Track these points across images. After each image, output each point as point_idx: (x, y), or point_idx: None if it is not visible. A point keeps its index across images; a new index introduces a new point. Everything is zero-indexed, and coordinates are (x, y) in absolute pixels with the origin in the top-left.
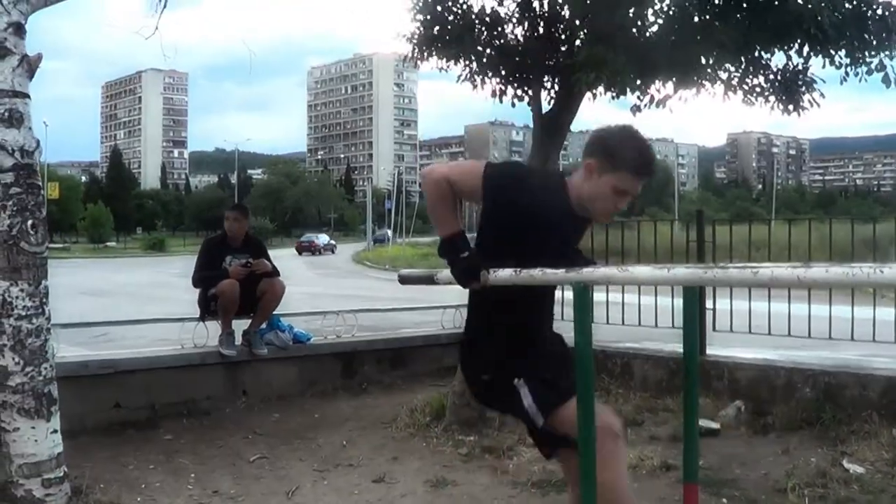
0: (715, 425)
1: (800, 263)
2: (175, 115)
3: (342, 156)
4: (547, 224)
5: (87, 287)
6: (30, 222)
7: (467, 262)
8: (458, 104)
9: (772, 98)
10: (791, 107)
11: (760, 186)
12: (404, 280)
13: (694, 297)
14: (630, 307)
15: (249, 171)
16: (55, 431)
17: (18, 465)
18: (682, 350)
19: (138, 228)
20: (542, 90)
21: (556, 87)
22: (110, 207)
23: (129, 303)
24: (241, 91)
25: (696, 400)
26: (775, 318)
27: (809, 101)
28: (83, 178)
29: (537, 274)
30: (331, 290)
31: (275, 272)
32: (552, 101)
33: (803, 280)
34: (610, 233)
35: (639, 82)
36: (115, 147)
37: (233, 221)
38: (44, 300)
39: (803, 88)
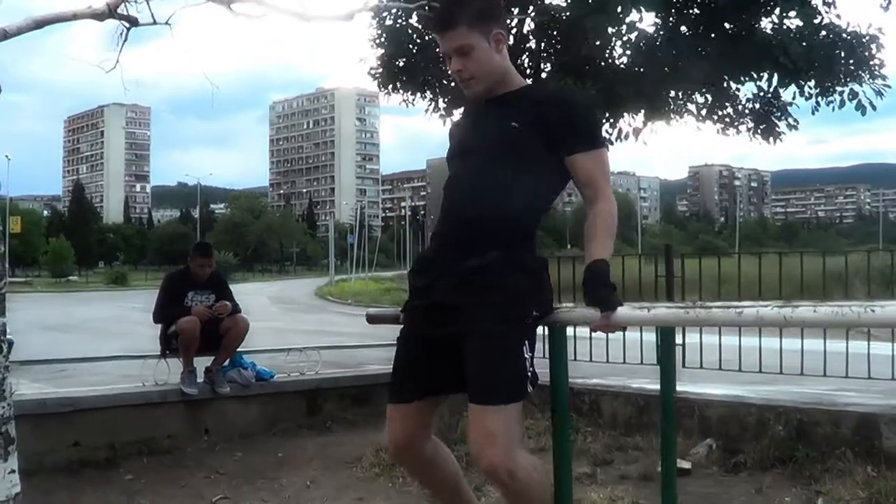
0: (686, 464)
1: (784, 302)
2: (137, 149)
3: (304, 190)
4: None
5: (49, 322)
6: None
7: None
8: (420, 138)
9: (743, 128)
10: (766, 134)
11: (723, 219)
12: (372, 320)
13: (671, 336)
14: (597, 342)
15: (212, 206)
16: (13, 471)
17: None
18: (649, 387)
19: (100, 262)
20: None
21: None
22: (72, 241)
23: (92, 338)
24: (204, 126)
25: (674, 442)
26: (746, 353)
27: (787, 126)
28: (45, 212)
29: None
30: (294, 325)
31: (237, 309)
32: None
33: (790, 320)
34: (576, 266)
35: (608, 115)
36: (78, 181)
37: (198, 267)
38: (1, 337)
39: (778, 114)
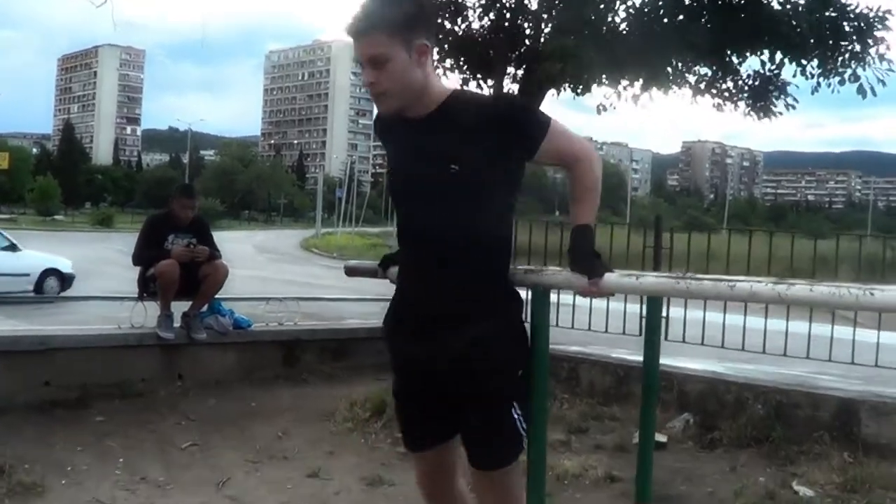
0: (662, 438)
1: (779, 279)
2: (130, 91)
3: (295, 142)
4: None
5: None
6: None
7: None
8: None
9: (741, 103)
10: (762, 112)
11: (712, 196)
12: (351, 272)
13: (658, 308)
14: (580, 309)
15: (202, 152)
16: None
17: None
18: (630, 357)
19: (87, 203)
20: (506, 82)
21: (520, 81)
22: (60, 181)
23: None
24: (199, 71)
25: (653, 415)
26: (729, 331)
27: (785, 105)
28: (34, 150)
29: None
30: (277, 275)
31: (216, 256)
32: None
33: (784, 297)
34: (564, 235)
35: (605, 78)
36: (68, 121)
37: (181, 209)
38: None
39: (776, 93)
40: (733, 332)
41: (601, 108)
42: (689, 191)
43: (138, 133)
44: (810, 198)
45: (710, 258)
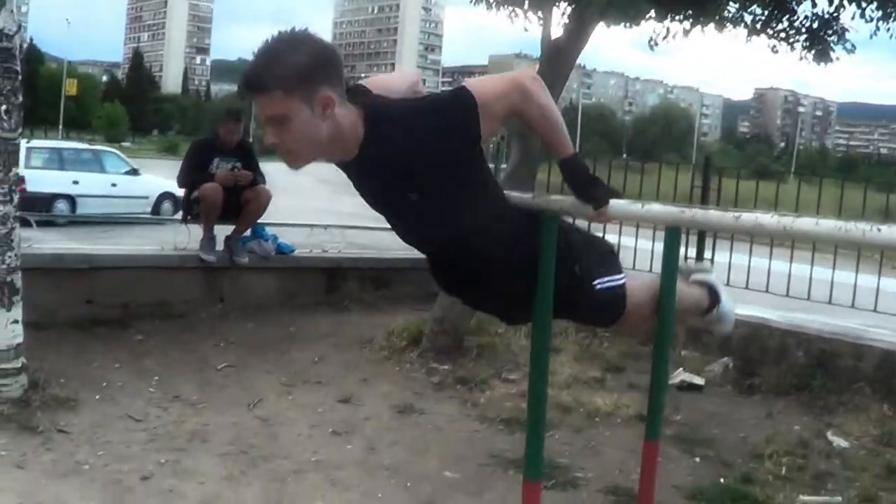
0: (699, 381)
1: (785, 213)
2: (200, 21)
3: (363, 75)
4: None
5: None
6: (3, 107)
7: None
8: (485, 33)
9: (797, 45)
10: (819, 56)
11: (783, 144)
12: None
13: (674, 240)
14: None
15: None
16: (16, 322)
17: None
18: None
19: (155, 131)
20: (554, 15)
21: (568, 13)
22: (128, 108)
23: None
24: (268, 3)
25: (667, 352)
26: (775, 277)
27: (844, 49)
28: (104, 78)
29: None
30: (333, 207)
31: (260, 180)
32: (564, 28)
33: (789, 231)
34: (628, 176)
35: (654, 12)
36: (138, 49)
37: (227, 133)
38: (13, 188)
39: (833, 37)
40: (778, 278)
41: (652, 43)
42: (760, 138)
43: (207, 63)
44: (883, 151)
45: (765, 203)
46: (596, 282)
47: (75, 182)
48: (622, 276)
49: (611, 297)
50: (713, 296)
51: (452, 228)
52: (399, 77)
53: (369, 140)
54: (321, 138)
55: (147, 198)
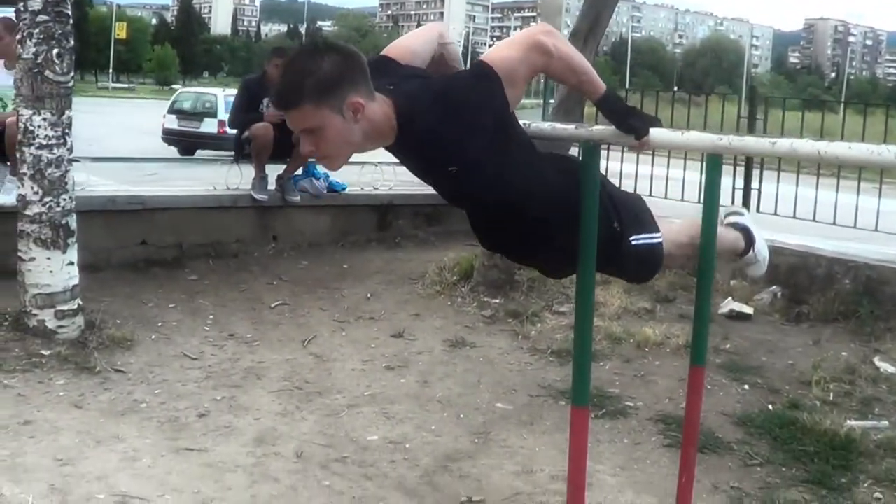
0: (748, 310)
1: (819, 137)
2: None
3: (413, 13)
4: None
5: (147, 127)
6: (55, 51)
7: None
8: None
9: None
10: None
11: (834, 75)
12: None
13: (716, 169)
14: (667, 181)
15: (319, 23)
16: (71, 263)
17: (32, 296)
18: (721, 228)
19: (205, 73)
20: None
21: None
22: (178, 51)
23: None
24: None
25: (710, 279)
26: (821, 206)
27: None
28: (153, 21)
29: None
30: None
31: None
32: None
33: (824, 156)
34: (673, 108)
35: None
36: None
37: (274, 69)
38: (66, 131)
39: None
40: (825, 208)
41: None
42: (811, 69)
43: (256, 3)
44: None
45: (825, 136)
46: (632, 238)
47: None
48: (659, 234)
49: (647, 254)
50: (748, 238)
51: (493, 192)
52: (422, 36)
53: (403, 126)
54: (355, 139)
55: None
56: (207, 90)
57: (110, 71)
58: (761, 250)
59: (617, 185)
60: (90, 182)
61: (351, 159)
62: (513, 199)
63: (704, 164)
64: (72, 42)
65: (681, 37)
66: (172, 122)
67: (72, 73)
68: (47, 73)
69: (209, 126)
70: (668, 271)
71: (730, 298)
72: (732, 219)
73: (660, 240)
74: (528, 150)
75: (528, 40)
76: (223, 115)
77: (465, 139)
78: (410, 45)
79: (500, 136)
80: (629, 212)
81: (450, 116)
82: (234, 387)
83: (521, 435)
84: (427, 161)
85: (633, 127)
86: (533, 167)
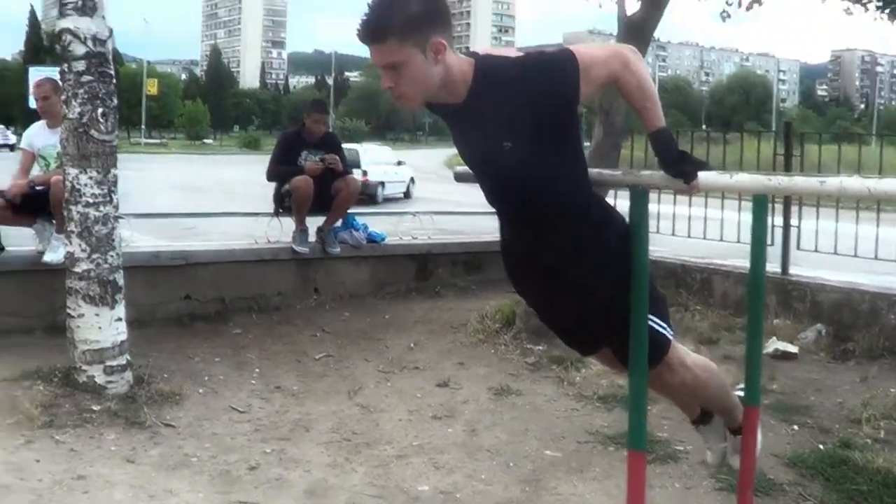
0: (793, 349)
1: (868, 176)
2: (275, 15)
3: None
4: None
5: (181, 182)
6: (100, 111)
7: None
8: (557, 12)
9: (870, 6)
10: (893, 14)
11: (863, 106)
12: (460, 178)
13: (762, 209)
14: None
15: (347, 74)
16: (119, 319)
17: (82, 351)
18: (769, 269)
19: (235, 126)
20: None
21: None
22: (208, 105)
23: (219, 198)
24: None
25: (761, 320)
26: (862, 241)
27: None
28: (182, 76)
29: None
30: (419, 194)
31: (348, 171)
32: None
33: (874, 192)
34: (709, 146)
35: None
36: (215, 46)
37: (313, 123)
38: (112, 188)
39: None
40: (866, 242)
41: (724, 15)
42: (839, 101)
43: (284, 56)
44: None
45: (848, 167)
46: (648, 315)
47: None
48: (671, 334)
49: (655, 340)
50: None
51: (538, 185)
52: (502, 49)
53: (476, 85)
54: (433, 82)
55: (404, 181)
56: (349, 146)
57: (142, 127)
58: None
59: (655, 227)
60: (133, 238)
61: (389, 209)
62: (557, 196)
63: (751, 204)
64: (115, 101)
65: (707, 74)
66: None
67: (116, 132)
68: (92, 132)
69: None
70: (711, 312)
71: (774, 338)
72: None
73: (670, 337)
74: (581, 160)
75: (614, 49)
76: (369, 165)
77: (530, 109)
78: (492, 51)
79: (561, 124)
80: (654, 291)
81: (524, 79)
82: (283, 439)
83: (571, 482)
84: (486, 128)
85: (682, 171)
86: (582, 176)
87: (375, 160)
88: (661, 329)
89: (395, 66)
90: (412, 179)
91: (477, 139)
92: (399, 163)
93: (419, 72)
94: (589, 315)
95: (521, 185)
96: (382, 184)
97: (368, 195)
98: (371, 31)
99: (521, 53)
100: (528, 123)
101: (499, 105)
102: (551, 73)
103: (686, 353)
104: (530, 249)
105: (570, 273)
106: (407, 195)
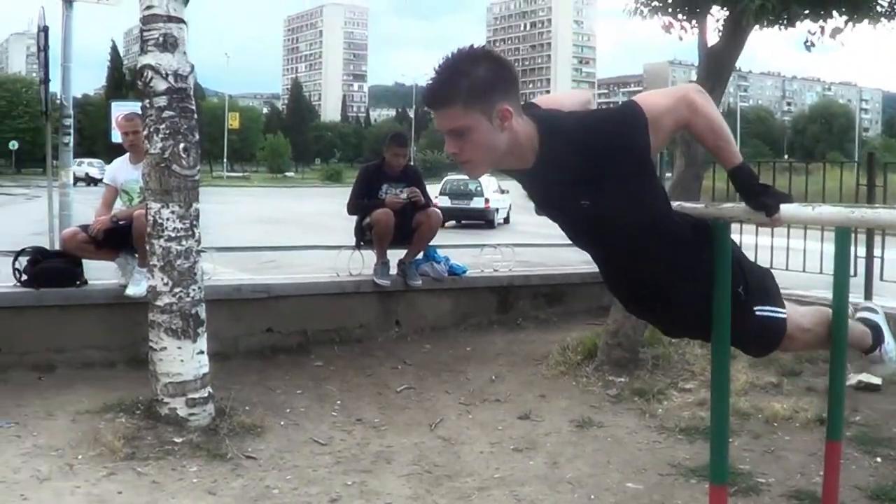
0: (876, 380)
1: None
2: (355, 49)
3: (520, 92)
4: None
5: (262, 215)
6: (182, 146)
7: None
8: (637, 42)
9: None
10: None
11: None
12: (540, 213)
13: (845, 241)
14: (788, 252)
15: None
16: (201, 352)
17: (164, 384)
18: (852, 300)
19: (317, 159)
20: (709, 22)
21: (723, 20)
22: (289, 138)
23: (301, 231)
24: (421, 26)
25: (844, 352)
26: None
27: None
28: (264, 110)
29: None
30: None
31: (430, 203)
32: (719, 35)
33: None
34: (791, 176)
35: (808, 12)
36: (296, 79)
37: (393, 157)
38: (194, 222)
39: None
40: None
41: (808, 44)
42: None
43: (365, 89)
44: None
45: None
46: (757, 307)
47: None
48: (785, 311)
49: (770, 326)
50: (877, 336)
51: (622, 236)
52: (571, 96)
53: (544, 150)
54: (499, 149)
55: (506, 207)
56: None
57: (224, 160)
58: (889, 351)
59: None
60: (215, 271)
61: (469, 241)
62: (641, 243)
63: (833, 235)
64: (197, 136)
65: (789, 104)
66: (446, 202)
67: (198, 167)
68: (174, 167)
69: (477, 203)
70: None
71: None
72: (863, 314)
73: (784, 316)
74: (661, 201)
75: (679, 93)
76: (489, 194)
77: (602, 168)
78: (558, 99)
79: (636, 176)
80: (756, 280)
81: (592, 141)
82: (364, 471)
83: None
84: (560, 190)
85: (764, 204)
86: (664, 216)
87: (487, 187)
88: (773, 314)
89: (460, 131)
90: (510, 206)
91: (552, 198)
92: (503, 191)
93: (485, 138)
94: (695, 321)
95: (603, 237)
96: (497, 210)
97: (487, 221)
98: (436, 96)
99: (584, 106)
100: (603, 181)
101: (569, 167)
102: (620, 129)
103: (802, 317)
104: (622, 282)
105: (673, 298)
106: (507, 220)
